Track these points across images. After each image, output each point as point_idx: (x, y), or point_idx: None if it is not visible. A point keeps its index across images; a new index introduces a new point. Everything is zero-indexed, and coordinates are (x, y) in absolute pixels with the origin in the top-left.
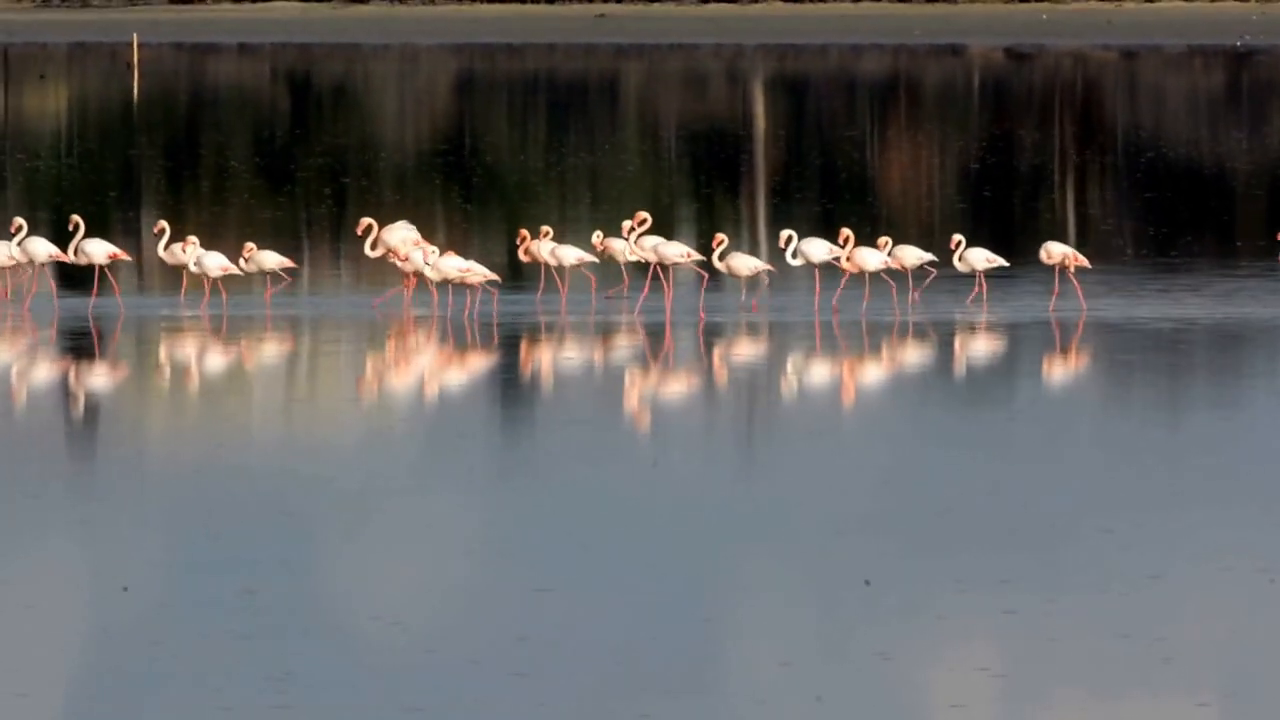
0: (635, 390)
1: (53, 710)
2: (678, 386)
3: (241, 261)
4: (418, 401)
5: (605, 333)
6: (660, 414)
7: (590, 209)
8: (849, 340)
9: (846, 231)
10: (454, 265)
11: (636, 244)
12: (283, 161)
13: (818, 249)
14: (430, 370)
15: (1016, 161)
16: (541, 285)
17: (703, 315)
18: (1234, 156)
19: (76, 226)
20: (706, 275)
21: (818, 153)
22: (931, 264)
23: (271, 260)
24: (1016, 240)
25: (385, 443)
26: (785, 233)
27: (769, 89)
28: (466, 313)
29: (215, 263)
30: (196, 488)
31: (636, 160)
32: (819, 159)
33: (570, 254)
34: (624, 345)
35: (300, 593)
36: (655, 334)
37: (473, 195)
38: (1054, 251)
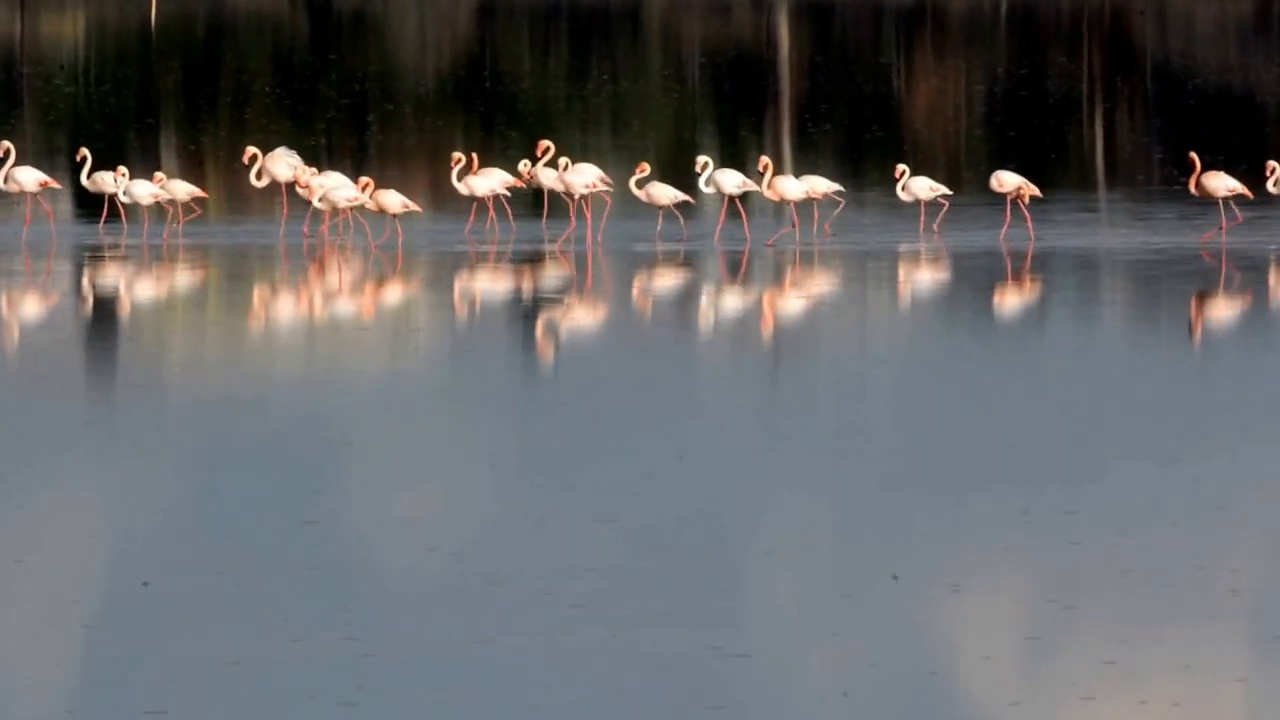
0: (615, 321)
1: (120, 642)
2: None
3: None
4: (412, 329)
5: (537, 261)
6: (660, 341)
7: (611, 138)
8: (832, 269)
9: (765, 160)
10: (345, 196)
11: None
12: (298, 87)
13: (730, 179)
14: (401, 298)
15: (1042, 89)
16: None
17: (593, 243)
18: (1265, 85)
19: (7, 153)
20: (581, 212)
21: (842, 80)
22: (840, 194)
23: (182, 190)
24: (1042, 170)
25: (411, 372)
26: (701, 159)
27: (794, 14)
28: (381, 241)
29: (145, 190)
30: (232, 420)
31: (658, 88)
32: (843, 86)
33: (483, 184)
34: (559, 274)
35: (359, 524)
36: (624, 263)
37: (488, 123)
38: (1006, 181)
